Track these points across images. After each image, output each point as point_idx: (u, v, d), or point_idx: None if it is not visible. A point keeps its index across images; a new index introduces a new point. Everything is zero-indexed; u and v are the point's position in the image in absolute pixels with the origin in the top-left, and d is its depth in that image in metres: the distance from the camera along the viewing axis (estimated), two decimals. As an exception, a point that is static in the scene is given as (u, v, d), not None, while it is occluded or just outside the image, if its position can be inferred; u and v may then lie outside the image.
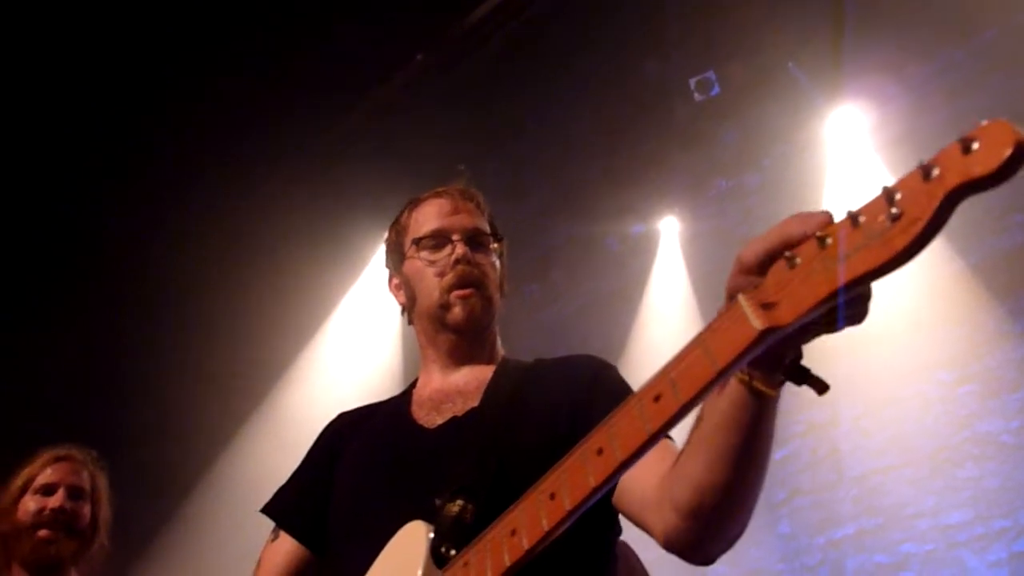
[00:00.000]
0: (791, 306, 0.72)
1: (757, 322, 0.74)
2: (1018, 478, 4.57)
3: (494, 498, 0.98)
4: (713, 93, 5.24)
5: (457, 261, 1.46)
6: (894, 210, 0.66)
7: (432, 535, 1.07)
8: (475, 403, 1.35)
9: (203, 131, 4.84)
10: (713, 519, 1.02)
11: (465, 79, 5.20)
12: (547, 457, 0.90)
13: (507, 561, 0.88)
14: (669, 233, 6.33)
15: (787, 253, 0.74)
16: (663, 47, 5.01)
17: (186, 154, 4.95)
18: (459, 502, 1.10)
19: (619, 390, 1.26)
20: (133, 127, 4.81)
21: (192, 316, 5.22)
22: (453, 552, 1.01)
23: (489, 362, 1.48)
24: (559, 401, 1.25)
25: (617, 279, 6.02)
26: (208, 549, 4.98)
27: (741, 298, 0.77)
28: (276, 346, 5.76)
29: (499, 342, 1.55)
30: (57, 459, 2.19)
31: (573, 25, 4.99)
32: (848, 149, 5.54)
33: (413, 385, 1.52)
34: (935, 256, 4.99)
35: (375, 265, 6.20)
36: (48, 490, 2.11)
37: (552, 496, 0.86)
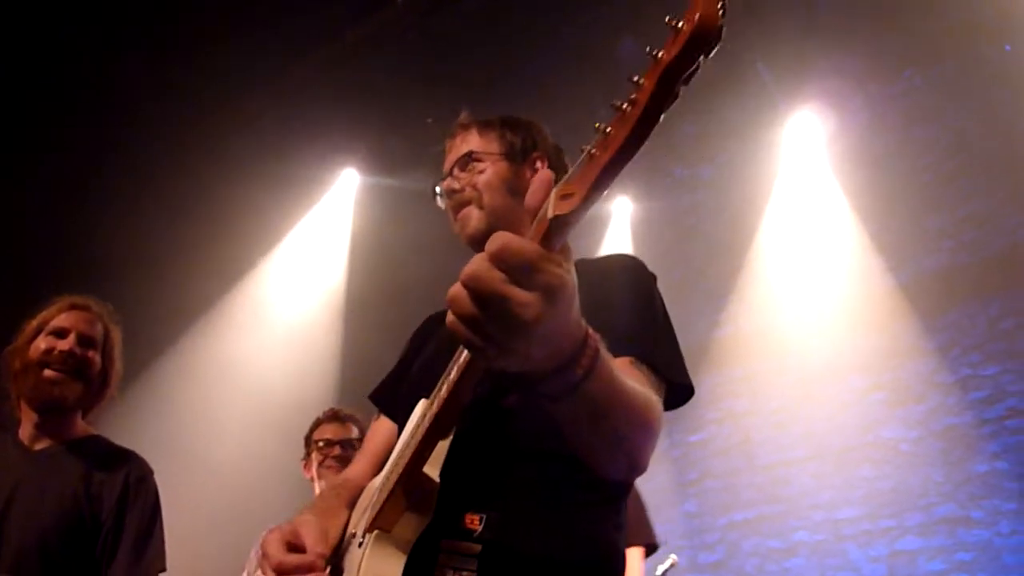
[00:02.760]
0: (579, 195, 0.80)
1: (550, 211, 0.81)
2: (910, 483, 4.89)
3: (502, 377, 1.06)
4: (681, 81, 5.32)
5: (447, 195, 1.56)
6: (632, 95, 0.75)
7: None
8: None
9: (165, 54, 4.74)
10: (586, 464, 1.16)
11: (440, 28, 5.18)
12: None
13: (425, 425, 1.07)
14: (621, 214, 6.45)
15: (585, 147, 0.80)
16: (640, 24, 5.03)
17: (148, 79, 4.85)
18: None
19: (629, 297, 1.34)
20: (93, 51, 4.69)
21: (147, 236, 5.14)
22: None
23: None
24: (590, 301, 1.26)
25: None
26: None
27: (552, 192, 0.83)
28: (225, 265, 5.74)
29: None
30: (73, 306, 2.19)
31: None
32: (802, 154, 5.72)
33: None
34: (870, 270, 5.24)
35: (328, 200, 6.22)
36: (61, 333, 2.12)
37: (449, 373, 1.03)
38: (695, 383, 1.30)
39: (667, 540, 5.21)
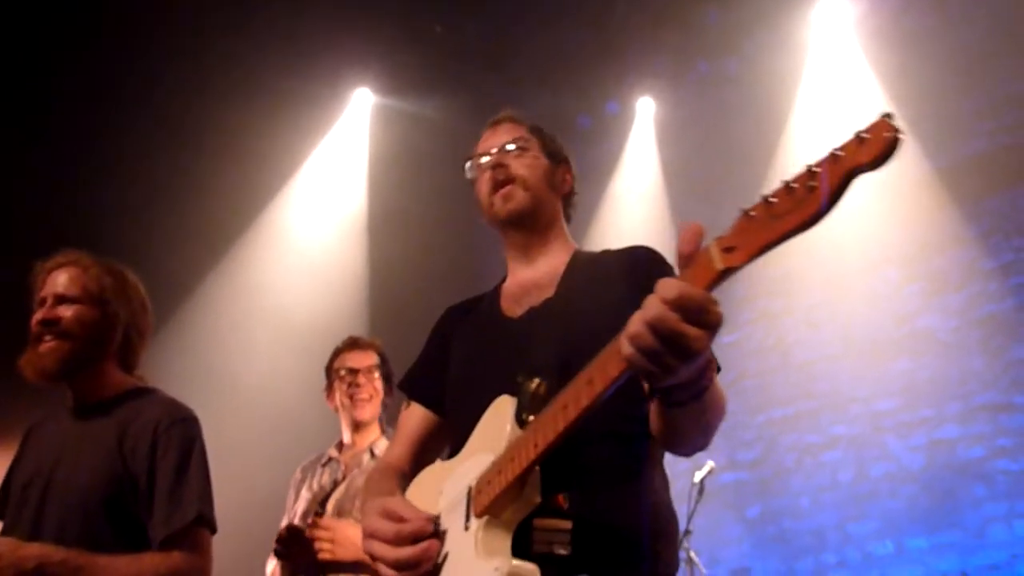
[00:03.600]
0: (743, 252, 0.95)
1: (719, 263, 0.97)
2: (949, 372, 4.85)
3: (562, 376, 1.23)
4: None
5: (492, 168, 1.68)
6: (811, 183, 0.88)
7: (516, 405, 1.37)
8: (550, 294, 1.58)
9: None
10: (669, 448, 1.42)
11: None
12: (608, 342, 1.11)
13: (560, 427, 1.17)
14: (644, 114, 6.26)
15: (744, 208, 0.96)
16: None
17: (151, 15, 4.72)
18: (536, 380, 1.37)
19: None
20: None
21: (161, 166, 5.10)
22: (531, 418, 1.30)
23: (561, 255, 1.67)
24: (620, 292, 1.42)
25: (587, 158, 5.99)
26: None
27: (711, 243, 0.99)
28: (246, 195, 5.73)
29: (568, 235, 1.75)
30: (47, 270, 2.12)
31: None
32: (831, 38, 5.45)
33: (503, 281, 1.74)
34: (906, 157, 5.04)
35: (344, 121, 6.11)
36: (42, 302, 2.08)
37: (589, 381, 1.12)
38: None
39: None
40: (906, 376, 4.98)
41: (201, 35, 4.91)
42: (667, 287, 1.00)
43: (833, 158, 0.87)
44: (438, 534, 1.35)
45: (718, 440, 1.34)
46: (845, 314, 5.30)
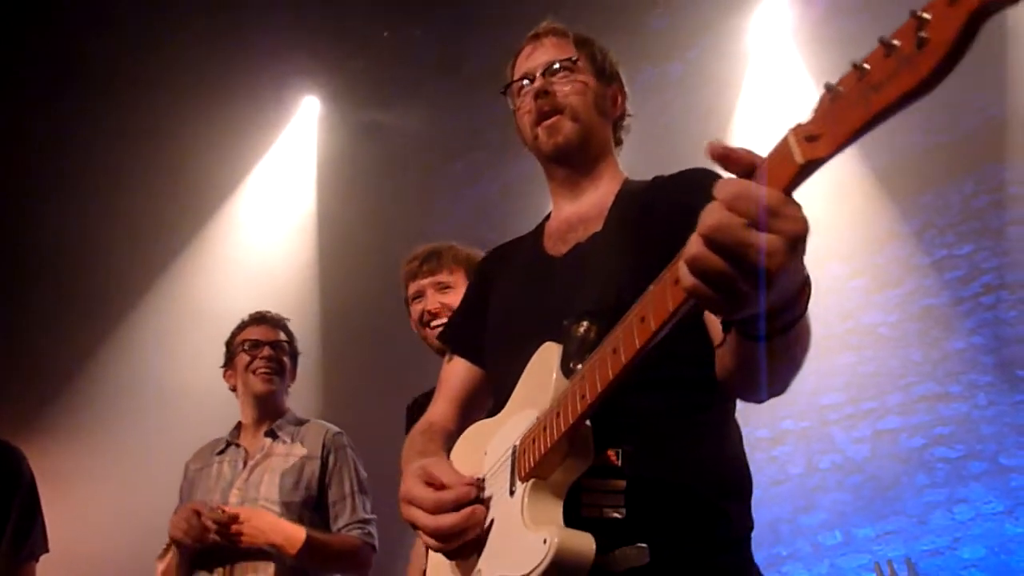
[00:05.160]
0: (830, 139, 0.74)
1: (799, 156, 0.76)
2: (890, 365, 5.01)
3: (613, 318, 1.03)
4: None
5: (535, 96, 1.49)
6: (922, 34, 0.67)
7: (561, 353, 1.21)
8: (598, 227, 1.41)
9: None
10: (739, 394, 1.23)
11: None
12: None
13: (610, 374, 0.99)
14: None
15: (829, 84, 0.75)
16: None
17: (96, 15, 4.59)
18: (584, 323, 1.20)
19: None
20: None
21: (107, 172, 4.97)
22: (579, 366, 1.12)
23: (611, 185, 1.50)
24: (674, 220, 1.11)
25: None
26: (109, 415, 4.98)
27: (788, 133, 0.78)
28: (193, 202, 5.62)
29: (617, 164, 1.57)
30: None
31: None
32: (771, 42, 5.59)
33: (547, 218, 1.57)
34: (844, 156, 5.18)
35: (292, 129, 6.04)
36: None
37: (642, 319, 0.93)
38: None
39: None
40: (849, 370, 5.13)
41: (145, 41, 4.80)
42: (727, 186, 0.78)
43: None
44: (482, 500, 1.22)
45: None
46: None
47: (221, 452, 2.62)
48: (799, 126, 0.77)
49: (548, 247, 1.48)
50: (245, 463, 2.53)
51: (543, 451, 1.11)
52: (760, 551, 1.27)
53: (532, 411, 1.19)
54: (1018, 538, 4.46)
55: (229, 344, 2.73)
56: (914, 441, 4.85)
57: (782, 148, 0.78)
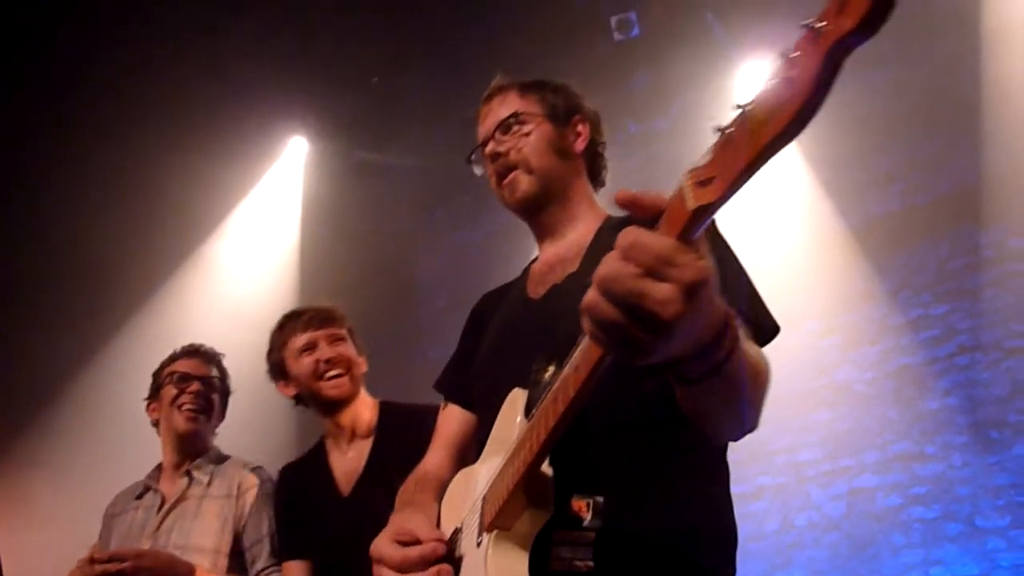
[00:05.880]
0: (721, 181, 0.73)
1: (691, 202, 0.75)
2: (866, 423, 5.02)
3: None
4: (633, 34, 5.27)
5: (492, 159, 1.53)
6: (791, 72, 0.67)
7: (527, 398, 1.19)
8: (574, 268, 1.40)
9: (100, 24, 4.52)
10: (705, 434, 1.17)
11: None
12: None
13: (551, 423, 0.98)
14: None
15: (719, 125, 0.74)
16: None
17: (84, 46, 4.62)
18: (551, 367, 1.17)
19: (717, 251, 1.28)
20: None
21: (87, 205, 4.95)
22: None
23: (590, 223, 1.51)
24: None
25: (521, 209, 6.05)
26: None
27: (683, 178, 0.77)
28: (176, 237, 5.59)
29: (594, 201, 1.57)
30: None
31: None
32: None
33: (534, 260, 1.58)
34: (822, 215, 5.30)
35: (278, 169, 6.06)
36: None
37: (576, 368, 0.93)
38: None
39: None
40: (825, 427, 5.14)
41: (132, 80, 4.83)
42: (624, 235, 0.77)
43: (813, 33, 0.65)
44: (452, 554, 1.18)
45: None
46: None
47: (139, 496, 2.49)
48: (694, 170, 0.76)
49: (529, 290, 1.49)
50: (160, 508, 2.40)
51: (502, 501, 1.08)
52: (735, 609, 1.24)
53: (498, 459, 1.17)
54: (993, 602, 4.44)
55: (157, 375, 2.59)
56: (891, 500, 4.84)
57: (678, 194, 0.77)
